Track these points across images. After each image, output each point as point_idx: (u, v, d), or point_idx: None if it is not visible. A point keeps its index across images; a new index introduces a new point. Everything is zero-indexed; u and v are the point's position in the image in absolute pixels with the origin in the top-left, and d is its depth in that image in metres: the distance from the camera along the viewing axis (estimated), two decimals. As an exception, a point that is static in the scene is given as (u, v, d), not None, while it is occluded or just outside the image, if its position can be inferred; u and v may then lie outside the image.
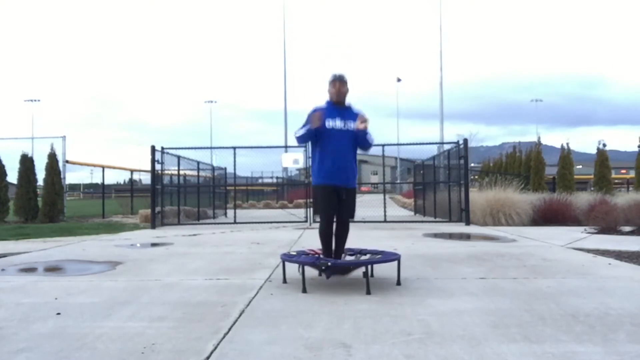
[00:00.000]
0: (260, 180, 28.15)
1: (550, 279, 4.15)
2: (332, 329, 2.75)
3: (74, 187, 42.72)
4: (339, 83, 4.27)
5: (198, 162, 14.35)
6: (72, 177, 42.16)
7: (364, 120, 4.18)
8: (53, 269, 5.14)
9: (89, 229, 10.33)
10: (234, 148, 12.07)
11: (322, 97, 4.46)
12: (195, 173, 14.70)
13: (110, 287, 3.97)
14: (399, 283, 3.92)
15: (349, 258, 4.26)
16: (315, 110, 4.23)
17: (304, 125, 4.24)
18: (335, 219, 4.23)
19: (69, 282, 4.24)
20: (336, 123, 4.20)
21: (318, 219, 4.38)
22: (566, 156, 16.36)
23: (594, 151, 16.73)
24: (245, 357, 2.33)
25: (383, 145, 11.78)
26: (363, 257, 4.18)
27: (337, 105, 4.28)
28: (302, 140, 4.35)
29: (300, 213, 13.60)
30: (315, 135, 4.21)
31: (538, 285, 3.86)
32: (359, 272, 3.92)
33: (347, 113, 4.28)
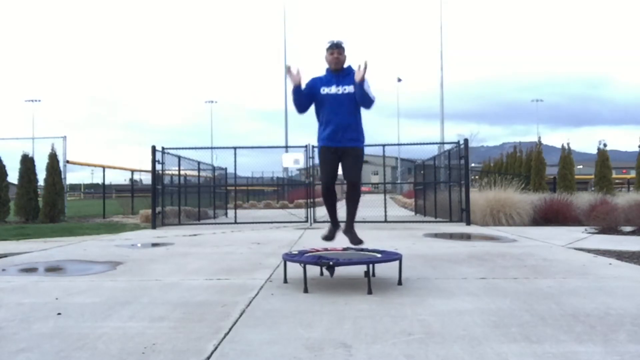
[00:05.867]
0: (260, 180, 28.16)
1: (550, 279, 4.14)
2: (333, 329, 2.75)
3: (75, 187, 42.66)
4: (336, 51, 4.24)
5: (199, 162, 14.36)
6: (72, 177, 42.19)
7: (363, 69, 4.05)
8: (54, 269, 5.14)
9: (89, 229, 10.33)
10: (235, 148, 12.08)
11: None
12: (195, 173, 14.71)
13: (110, 287, 3.97)
14: (400, 283, 3.91)
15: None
16: (312, 80, 4.30)
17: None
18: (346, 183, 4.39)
19: (69, 282, 4.24)
20: (331, 89, 4.22)
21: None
22: (567, 156, 16.35)
23: (595, 151, 16.72)
24: (246, 357, 2.33)
25: (384, 146, 11.79)
26: (364, 257, 4.18)
27: (336, 72, 4.28)
28: (294, 101, 4.29)
29: (300, 213, 13.60)
30: (308, 99, 4.29)
31: (538, 285, 3.86)
32: (360, 272, 3.92)
33: (345, 78, 4.26)
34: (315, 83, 4.30)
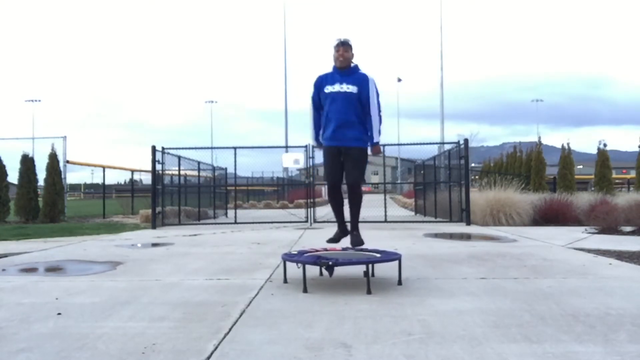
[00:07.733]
0: (260, 180, 28.16)
1: (550, 279, 4.14)
2: (333, 329, 2.75)
3: (75, 187, 42.69)
4: (342, 48, 4.32)
5: (199, 162, 14.36)
6: (72, 177, 42.14)
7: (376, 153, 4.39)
8: (54, 269, 5.14)
9: (89, 229, 10.33)
10: (235, 148, 12.08)
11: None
12: (195, 173, 14.72)
13: (110, 287, 3.97)
14: (399, 283, 3.91)
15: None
16: (319, 79, 4.39)
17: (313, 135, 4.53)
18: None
19: (69, 282, 4.24)
20: (334, 87, 4.29)
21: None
22: (567, 156, 16.35)
23: (595, 151, 16.72)
24: (246, 357, 2.33)
25: (384, 146, 11.75)
26: (363, 257, 4.18)
27: (341, 70, 4.34)
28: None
29: (300, 213, 13.59)
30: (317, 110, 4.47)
31: (539, 285, 3.86)
32: (359, 272, 3.92)
33: (350, 76, 4.32)
34: (321, 84, 4.37)
